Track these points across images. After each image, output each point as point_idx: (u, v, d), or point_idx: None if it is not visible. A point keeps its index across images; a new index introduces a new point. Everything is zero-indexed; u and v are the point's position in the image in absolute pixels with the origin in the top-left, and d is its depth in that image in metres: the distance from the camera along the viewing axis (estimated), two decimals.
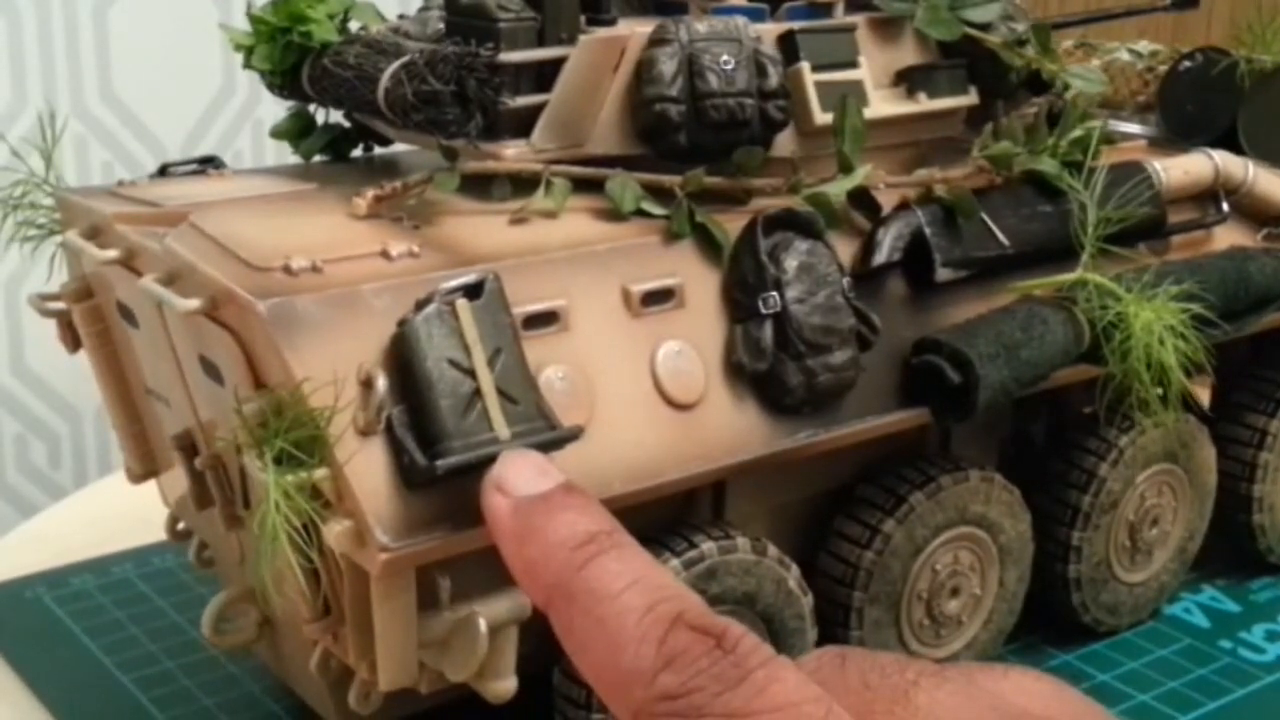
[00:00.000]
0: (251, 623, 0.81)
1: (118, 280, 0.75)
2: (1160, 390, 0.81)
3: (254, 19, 0.81)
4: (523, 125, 0.77)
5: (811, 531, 0.84)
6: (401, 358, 0.64)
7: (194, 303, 0.67)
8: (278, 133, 0.89)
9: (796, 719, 0.44)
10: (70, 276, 0.83)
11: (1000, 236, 0.82)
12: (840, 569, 0.82)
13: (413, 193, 0.74)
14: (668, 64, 0.76)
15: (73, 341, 0.84)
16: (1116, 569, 0.93)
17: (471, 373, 0.65)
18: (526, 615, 0.71)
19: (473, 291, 0.66)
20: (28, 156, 0.80)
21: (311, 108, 0.85)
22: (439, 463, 0.63)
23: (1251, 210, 0.96)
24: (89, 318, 0.81)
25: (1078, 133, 0.86)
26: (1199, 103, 1.03)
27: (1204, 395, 1.06)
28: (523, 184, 0.76)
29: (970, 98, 0.86)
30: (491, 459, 0.64)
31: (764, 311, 0.73)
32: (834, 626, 0.82)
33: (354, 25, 0.84)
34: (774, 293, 0.73)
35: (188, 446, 0.76)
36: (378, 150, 0.89)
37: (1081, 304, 0.81)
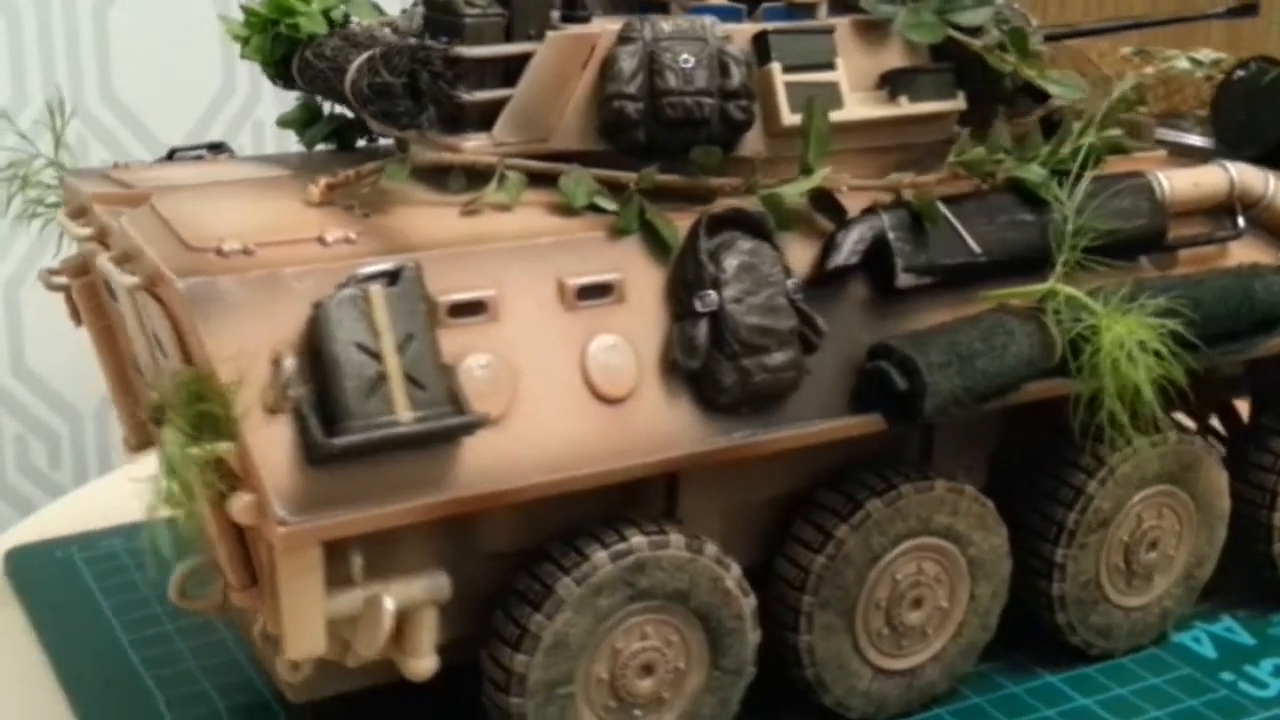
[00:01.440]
0: (218, 589, 0.84)
1: (98, 257, 0.79)
2: (1135, 409, 0.79)
3: (246, 11, 0.84)
4: (487, 119, 0.79)
5: (772, 534, 0.83)
6: (312, 340, 0.66)
7: (134, 279, 0.70)
8: (284, 122, 0.92)
9: None
10: (76, 252, 0.87)
11: (971, 244, 0.81)
12: (792, 572, 0.82)
13: (367, 181, 0.76)
14: (628, 61, 0.77)
15: (76, 315, 0.88)
16: (1109, 591, 0.91)
17: (378, 356, 0.66)
18: (444, 598, 0.73)
19: (391, 279, 0.68)
20: (38, 139, 0.85)
21: (319, 98, 0.88)
22: (335, 440, 0.65)
23: (1273, 225, 0.92)
24: (85, 293, 0.85)
25: (1088, 139, 0.84)
26: (1250, 113, 1.00)
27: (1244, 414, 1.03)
28: (480, 177, 0.77)
29: (957, 103, 0.85)
30: (390, 441, 0.66)
31: (700, 310, 0.73)
32: (783, 629, 0.82)
33: (355, 21, 0.87)
34: (711, 291, 0.73)
35: (157, 418, 0.79)
36: (382, 140, 0.92)
37: (1051, 315, 0.79)
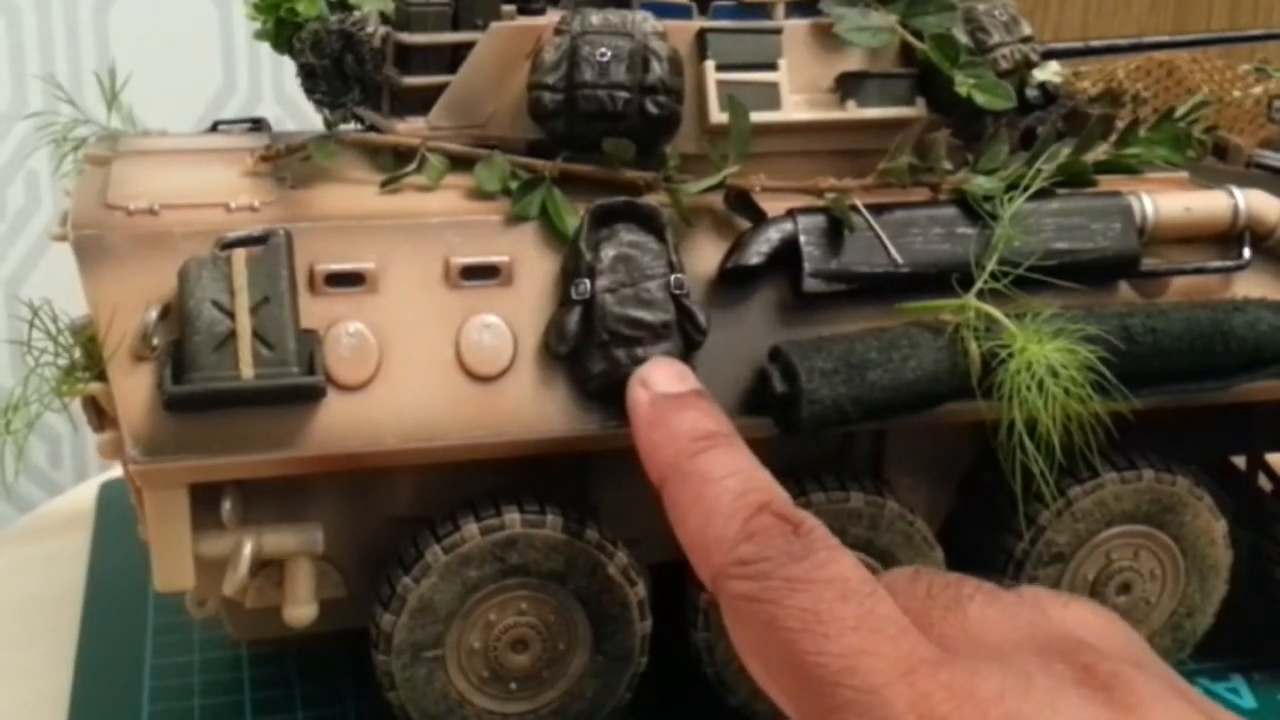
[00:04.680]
0: None
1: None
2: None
3: None
4: (428, 104, 0.82)
5: None
6: (177, 295, 0.72)
7: (57, 230, 0.77)
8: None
9: (844, 592, 0.54)
10: None
11: (894, 253, 0.79)
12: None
13: (298, 156, 0.81)
14: (552, 53, 0.79)
15: None
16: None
17: (231, 315, 0.71)
18: (316, 551, 0.77)
19: (259, 244, 0.73)
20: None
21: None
22: (173, 388, 0.70)
23: None
24: None
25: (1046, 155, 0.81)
26: None
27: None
28: (407, 158, 0.81)
29: (914, 110, 0.83)
30: (229, 394, 0.71)
31: (574, 297, 0.75)
32: (686, 625, 0.82)
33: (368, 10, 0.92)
34: (586, 280, 0.75)
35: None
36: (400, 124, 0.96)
37: (965, 331, 0.77)
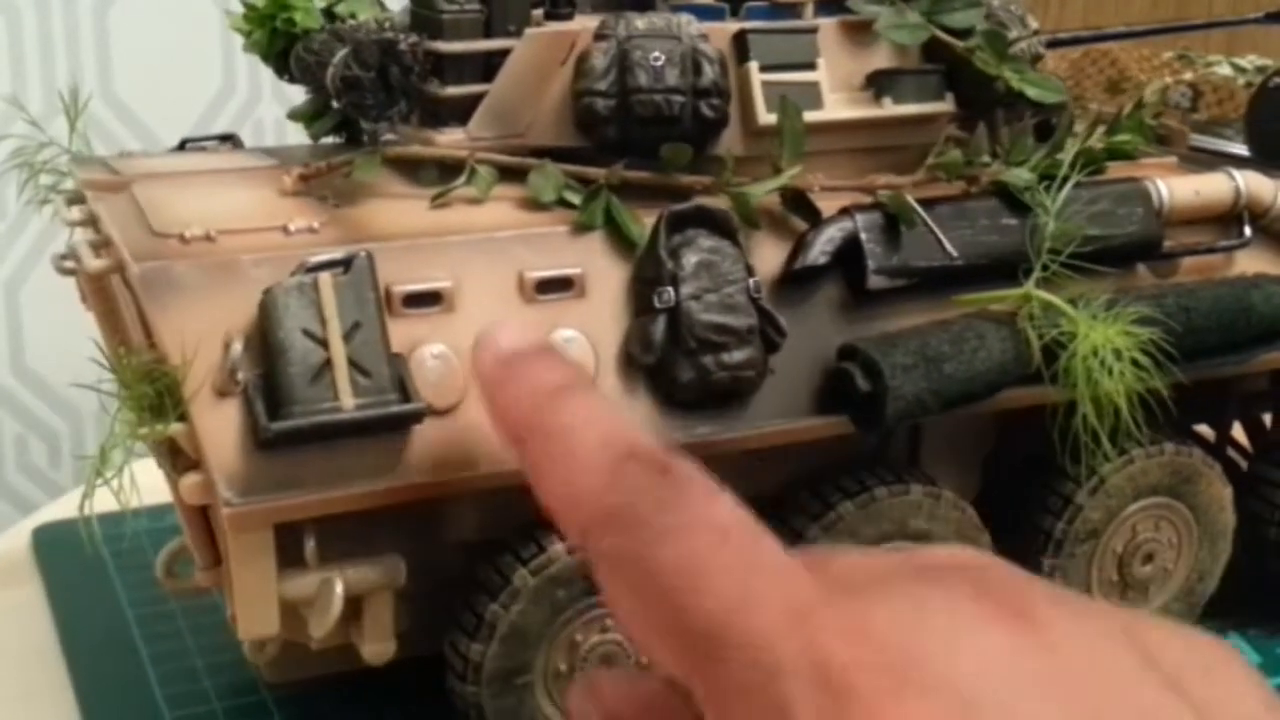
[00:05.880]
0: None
1: (79, 242, 0.81)
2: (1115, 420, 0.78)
3: (246, 5, 0.86)
4: (465, 113, 0.80)
5: None
6: (261, 325, 0.68)
7: (100, 263, 0.72)
8: (294, 114, 0.93)
9: (723, 536, 0.47)
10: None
11: (948, 247, 0.80)
12: None
13: (340, 173, 0.77)
14: (600, 59, 0.78)
15: (85, 298, 0.90)
16: (1103, 603, 0.89)
17: (324, 343, 0.68)
18: (399, 583, 0.74)
19: (342, 267, 0.69)
20: (49, 125, 0.87)
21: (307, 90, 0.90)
22: (274, 425, 0.66)
23: None
24: (90, 276, 0.88)
25: (1077, 145, 0.83)
26: None
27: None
28: (452, 170, 0.78)
29: (945, 105, 0.84)
30: (332, 426, 0.67)
31: (658, 306, 0.74)
32: None
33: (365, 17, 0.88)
34: (669, 288, 0.74)
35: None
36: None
37: (1025, 321, 0.78)
